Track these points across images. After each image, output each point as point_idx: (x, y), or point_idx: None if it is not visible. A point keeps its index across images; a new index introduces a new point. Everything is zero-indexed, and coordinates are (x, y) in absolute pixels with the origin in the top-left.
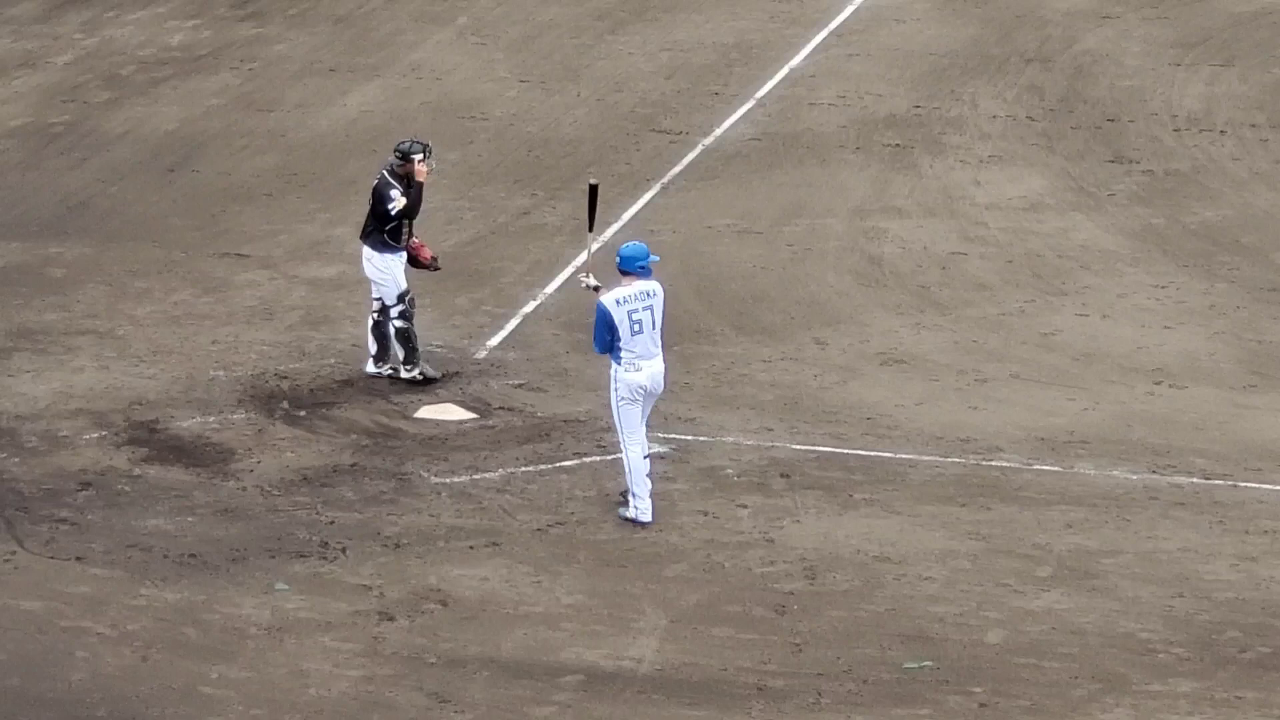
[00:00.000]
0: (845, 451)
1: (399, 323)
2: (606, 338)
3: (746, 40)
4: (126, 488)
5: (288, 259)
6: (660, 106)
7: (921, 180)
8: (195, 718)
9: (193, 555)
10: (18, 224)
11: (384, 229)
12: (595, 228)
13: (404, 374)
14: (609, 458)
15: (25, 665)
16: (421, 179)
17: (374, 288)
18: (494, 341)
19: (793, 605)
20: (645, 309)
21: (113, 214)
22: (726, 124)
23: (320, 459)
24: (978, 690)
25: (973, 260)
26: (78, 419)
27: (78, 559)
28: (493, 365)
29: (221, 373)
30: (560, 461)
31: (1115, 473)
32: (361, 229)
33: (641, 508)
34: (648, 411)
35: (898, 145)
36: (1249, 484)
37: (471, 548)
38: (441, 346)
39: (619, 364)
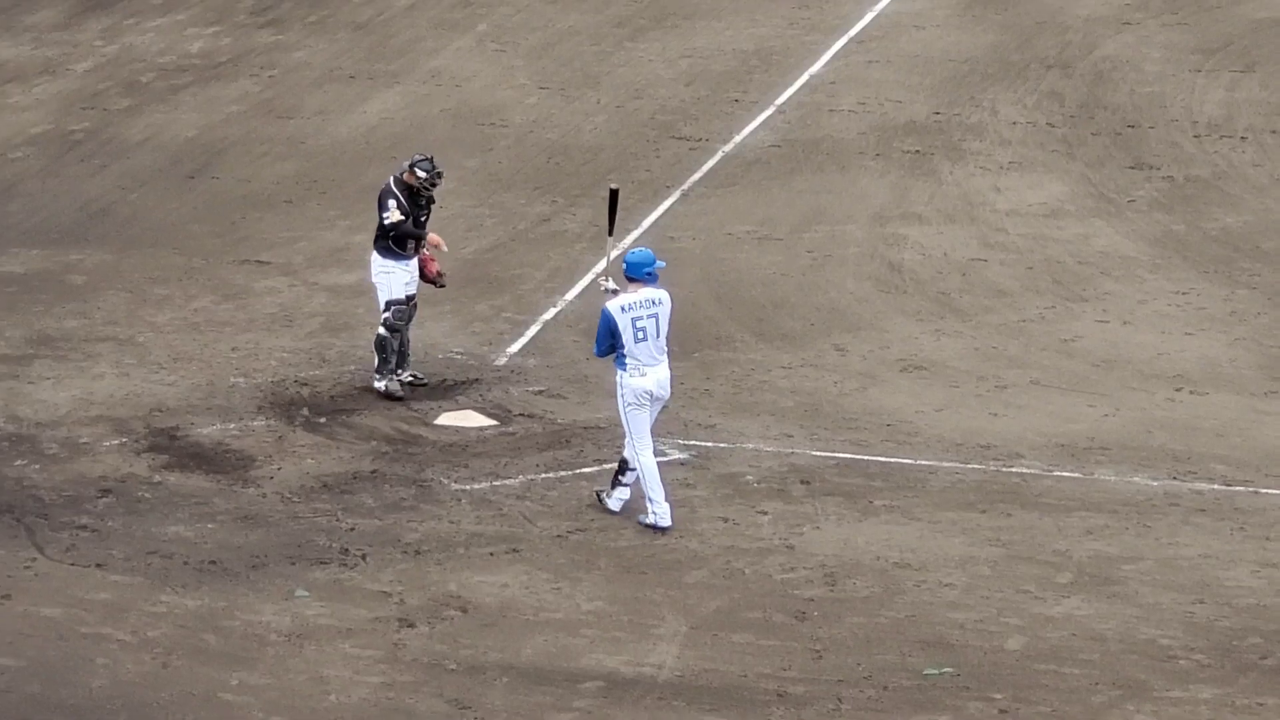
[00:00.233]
0: (865, 458)
1: (380, 330)
2: (607, 342)
3: (766, 47)
4: (147, 494)
5: (308, 266)
6: (680, 113)
7: (941, 187)
8: None
9: (213, 562)
10: (38, 231)
11: (385, 236)
12: (615, 232)
13: (374, 383)
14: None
15: (46, 672)
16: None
17: None
18: (514, 348)
19: (813, 611)
20: (650, 316)
21: (133, 221)
22: (746, 131)
23: (340, 466)
24: (998, 696)
25: (993, 266)
26: (98, 426)
27: (98, 566)
28: (513, 372)
29: (242, 379)
30: (580, 468)
31: (1136, 479)
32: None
33: (660, 512)
34: (655, 417)
35: (918, 152)
36: (1270, 490)
37: (492, 554)
38: (462, 353)
39: (624, 370)
